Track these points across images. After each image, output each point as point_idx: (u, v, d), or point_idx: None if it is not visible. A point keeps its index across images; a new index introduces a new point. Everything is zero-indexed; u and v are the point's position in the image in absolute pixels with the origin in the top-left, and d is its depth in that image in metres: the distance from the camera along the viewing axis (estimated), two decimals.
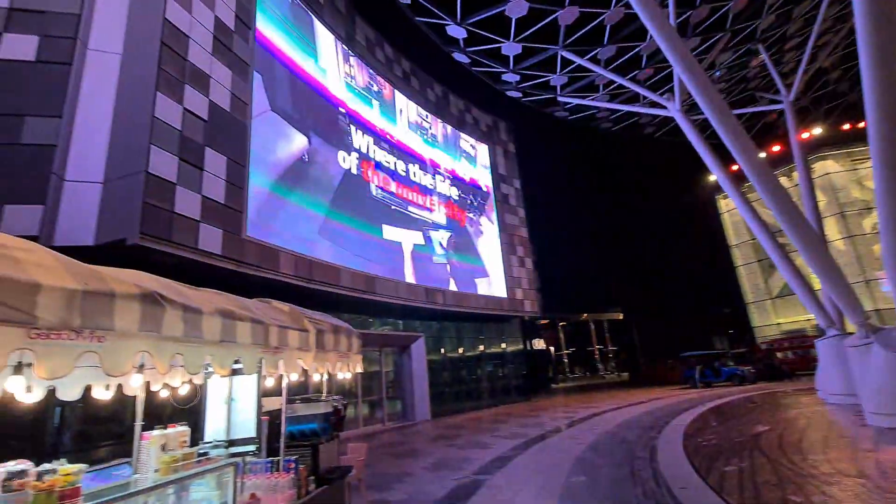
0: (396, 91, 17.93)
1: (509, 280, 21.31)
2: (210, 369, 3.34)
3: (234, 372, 3.82)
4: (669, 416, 12.44)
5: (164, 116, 8.38)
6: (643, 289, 38.41)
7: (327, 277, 12.06)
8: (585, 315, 47.34)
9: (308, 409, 4.89)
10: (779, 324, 32.35)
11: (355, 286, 13.04)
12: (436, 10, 15.50)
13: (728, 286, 33.50)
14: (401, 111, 17.96)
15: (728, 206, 33.85)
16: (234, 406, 4.27)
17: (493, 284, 20.43)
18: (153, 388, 3.95)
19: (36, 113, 7.57)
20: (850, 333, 11.13)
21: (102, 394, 3.51)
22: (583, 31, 16.47)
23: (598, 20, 15.96)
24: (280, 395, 4.36)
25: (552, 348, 44.02)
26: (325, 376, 5.08)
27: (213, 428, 4.27)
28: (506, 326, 22.28)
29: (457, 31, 16.37)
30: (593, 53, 17.41)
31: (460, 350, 19.47)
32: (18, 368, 2.52)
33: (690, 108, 20.32)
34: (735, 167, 16.54)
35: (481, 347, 20.64)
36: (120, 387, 3.65)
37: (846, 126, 29.24)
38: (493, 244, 21.40)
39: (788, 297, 30.42)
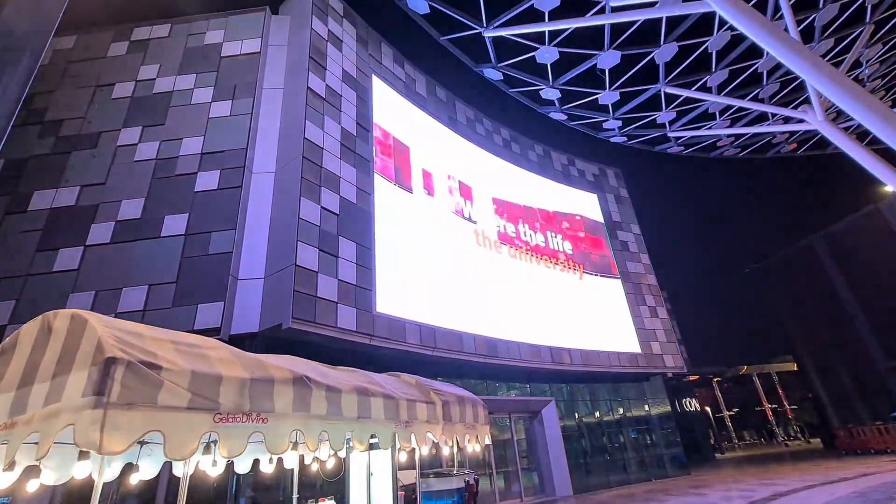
0: (500, 158, 18.74)
1: (641, 333, 19.38)
2: (351, 444, 3.62)
3: (371, 447, 4.07)
4: (892, 500, 9.52)
5: (307, 216, 9.94)
6: (820, 331, 31.46)
7: (450, 344, 12.37)
8: (745, 368, 40.08)
9: (441, 484, 4.90)
10: None
11: (478, 351, 13.10)
12: (527, 79, 16.30)
13: None
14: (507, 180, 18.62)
15: None
16: (373, 480, 4.49)
17: (625, 339, 18.75)
18: (306, 461, 4.38)
19: (218, 228, 9.60)
20: None
21: (267, 467, 4.01)
22: (685, 62, 15.72)
23: (700, 49, 15.15)
24: (414, 468, 4.47)
25: (709, 409, 37.66)
26: (455, 448, 5.09)
27: (357, 502, 4.51)
28: (646, 386, 19.93)
29: (551, 93, 16.88)
30: (702, 82, 16.38)
31: (597, 414, 17.81)
32: (207, 448, 3.06)
33: (839, 115, 17.52)
34: None
35: (620, 410, 18.63)
36: (280, 460, 4.13)
37: None
38: (618, 296, 19.94)
39: None
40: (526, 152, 20.55)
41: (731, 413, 42.13)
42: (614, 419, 18.27)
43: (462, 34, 14.45)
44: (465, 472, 5.18)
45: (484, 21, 13.77)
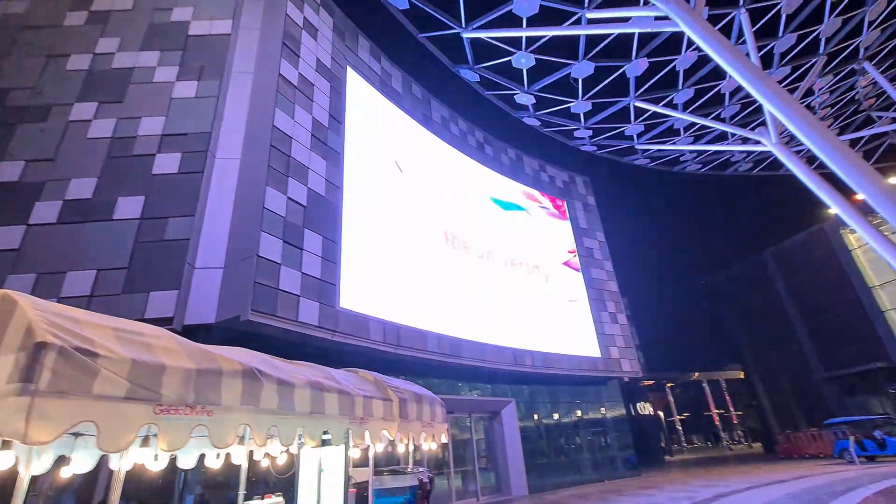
0: (471, 159, 18.83)
1: (602, 338, 19.97)
2: (302, 440, 3.54)
3: (324, 443, 4.00)
4: (821, 502, 10.20)
5: (272, 206, 9.67)
6: (765, 342, 33.37)
7: (414, 343, 12.33)
8: (697, 374, 41.98)
9: (395, 482, 4.87)
10: None
11: (441, 350, 13.12)
12: (503, 83, 16.47)
13: (877, 336, 27.89)
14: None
15: (860, 241, 29.09)
16: (323, 477, 4.41)
17: (585, 344, 19.26)
18: (255, 457, 4.26)
19: (176, 214, 9.19)
20: None
21: (213, 462, 3.87)
22: (655, 78, 16.29)
23: (669, 66, 15.74)
24: (367, 466, 4.43)
25: (661, 413, 39.21)
26: (411, 447, 5.08)
27: (305, 499, 4.42)
28: (604, 389, 20.55)
29: (525, 98, 17.11)
30: (669, 99, 17.01)
31: (555, 416, 18.21)
32: (146, 441, 2.92)
33: (791, 139, 18.60)
34: (859, 196, 14.40)
35: (578, 413, 19.13)
36: (228, 456, 4.00)
37: None
38: (581, 301, 20.46)
39: None
40: (499, 155, 20.72)
41: (682, 417, 44.01)
42: (571, 421, 18.72)
43: (441, 33, 14.45)
44: (420, 470, 5.17)
45: (463, 21, 13.81)
